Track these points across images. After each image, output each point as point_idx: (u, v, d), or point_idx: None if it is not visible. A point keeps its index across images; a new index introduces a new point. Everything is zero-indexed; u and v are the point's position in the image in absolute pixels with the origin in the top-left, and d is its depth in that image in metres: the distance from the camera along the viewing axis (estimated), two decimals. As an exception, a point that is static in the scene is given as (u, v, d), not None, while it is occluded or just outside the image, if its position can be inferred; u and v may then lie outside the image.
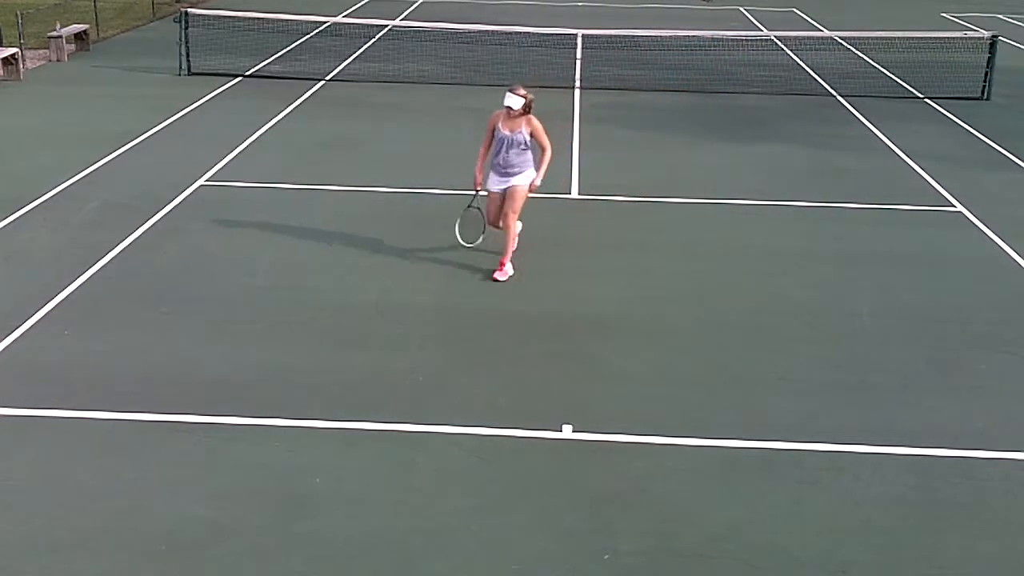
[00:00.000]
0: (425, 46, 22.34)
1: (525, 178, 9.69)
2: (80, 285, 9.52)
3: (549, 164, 9.77)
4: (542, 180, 9.79)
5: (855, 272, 10.34)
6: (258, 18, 21.35)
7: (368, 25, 22.79)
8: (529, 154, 9.66)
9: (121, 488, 6.51)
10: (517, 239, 10.12)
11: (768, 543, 6.14)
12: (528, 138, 9.60)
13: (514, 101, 9.44)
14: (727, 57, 22.07)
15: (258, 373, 7.99)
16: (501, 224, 9.90)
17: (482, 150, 9.85)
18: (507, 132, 9.54)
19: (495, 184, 9.79)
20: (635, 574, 5.87)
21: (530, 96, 9.51)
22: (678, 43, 22.09)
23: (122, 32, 24.18)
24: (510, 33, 21.28)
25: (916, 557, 6.06)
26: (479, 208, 10.12)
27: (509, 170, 9.66)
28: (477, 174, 9.92)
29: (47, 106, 16.64)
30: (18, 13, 20.72)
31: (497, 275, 9.80)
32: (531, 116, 9.58)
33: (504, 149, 9.59)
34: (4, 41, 19.77)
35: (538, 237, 11.07)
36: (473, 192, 10.15)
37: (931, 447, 7.20)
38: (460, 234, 10.16)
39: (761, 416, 7.55)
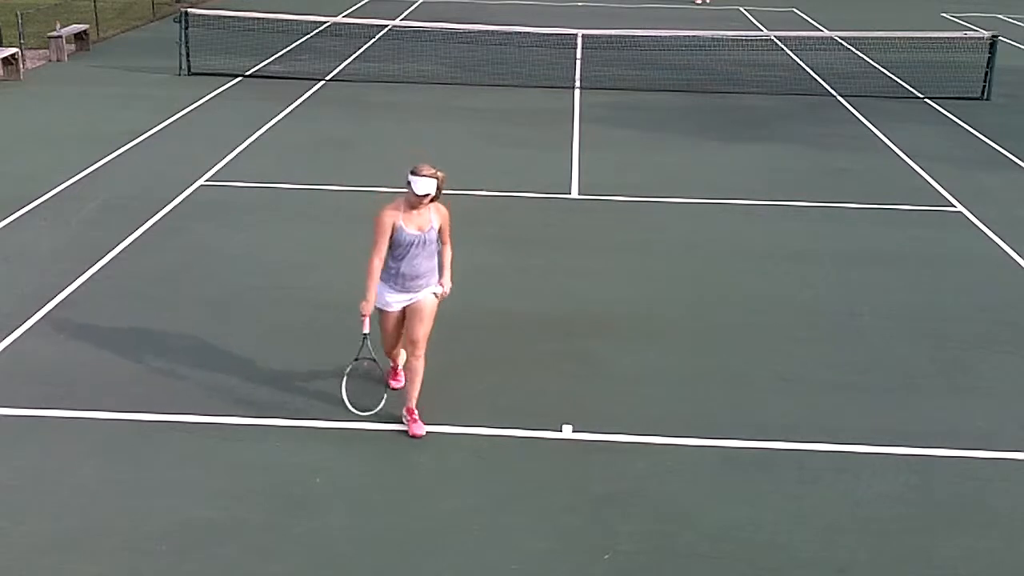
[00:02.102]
0: (425, 46, 22.33)
1: (434, 288, 7.15)
2: (80, 285, 9.52)
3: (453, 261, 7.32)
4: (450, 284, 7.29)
5: (855, 272, 10.34)
6: (258, 18, 21.36)
7: (368, 25, 22.80)
8: (436, 257, 7.17)
9: (121, 488, 6.51)
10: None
11: (768, 543, 6.14)
12: (438, 234, 7.08)
13: (425, 185, 6.75)
14: (727, 57, 22.06)
15: (258, 373, 7.99)
16: (407, 354, 7.29)
17: (375, 265, 6.92)
18: (415, 232, 6.87)
19: (392, 302, 7.10)
20: (635, 574, 5.87)
21: (441, 173, 6.87)
22: (678, 43, 22.11)
23: (122, 32, 24.18)
24: (510, 33, 21.29)
25: (916, 557, 6.06)
26: (373, 358, 7.30)
27: (416, 282, 7.03)
28: (367, 304, 7.01)
29: (47, 106, 16.64)
30: (18, 13, 20.72)
31: (415, 428, 7.19)
32: (439, 203, 7.01)
33: (411, 255, 6.93)
34: (4, 41, 19.79)
35: (538, 237, 11.08)
36: (362, 336, 7.17)
37: (931, 447, 7.20)
38: (350, 399, 7.30)
39: (761, 416, 7.55)
